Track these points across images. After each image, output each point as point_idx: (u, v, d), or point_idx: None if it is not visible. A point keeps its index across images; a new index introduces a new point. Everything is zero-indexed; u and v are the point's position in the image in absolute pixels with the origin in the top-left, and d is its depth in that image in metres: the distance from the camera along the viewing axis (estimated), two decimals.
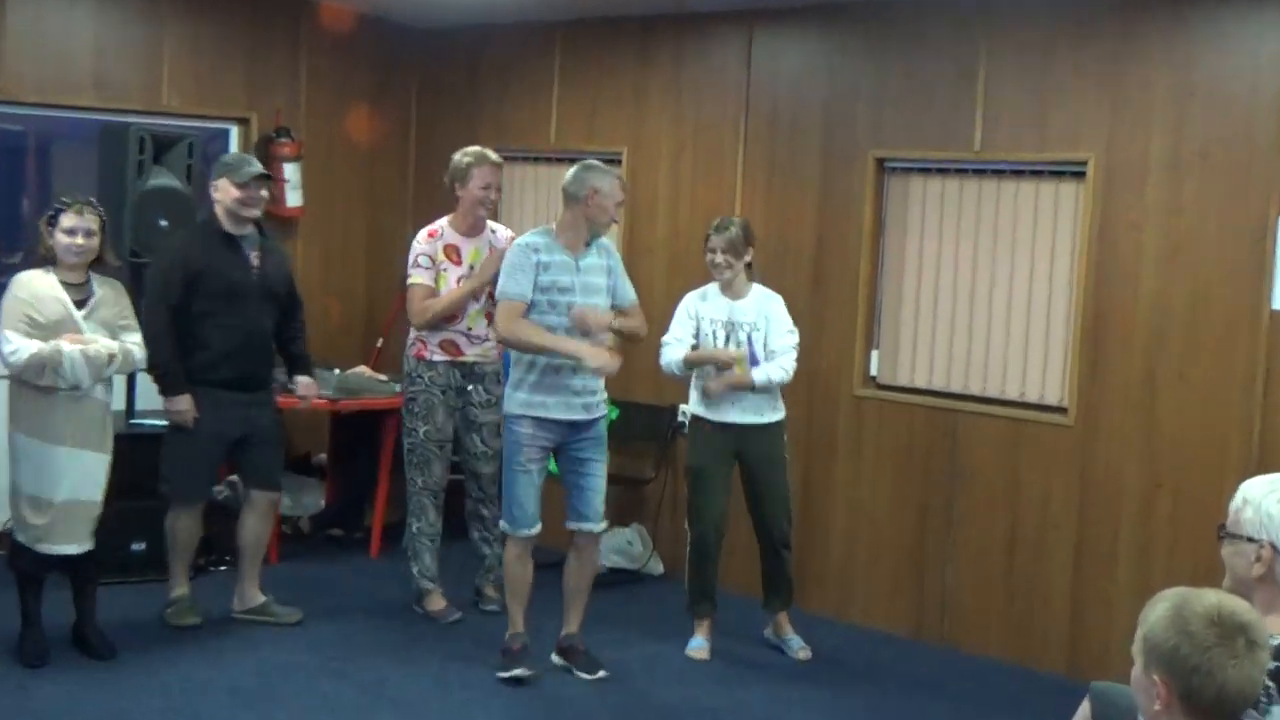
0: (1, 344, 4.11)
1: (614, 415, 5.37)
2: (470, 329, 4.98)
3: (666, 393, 5.62)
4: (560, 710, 4.29)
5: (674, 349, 4.74)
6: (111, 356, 4.26)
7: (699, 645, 4.80)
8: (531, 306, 4.30)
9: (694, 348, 4.72)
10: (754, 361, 4.68)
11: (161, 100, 5.86)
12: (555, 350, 4.27)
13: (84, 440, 4.24)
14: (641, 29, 5.86)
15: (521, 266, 4.29)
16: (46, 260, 4.23)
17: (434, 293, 4.95)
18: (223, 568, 5.50)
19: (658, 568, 5.85)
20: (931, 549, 5.07)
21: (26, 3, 5.48)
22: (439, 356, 4.98)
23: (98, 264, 4.32)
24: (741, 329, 4.72)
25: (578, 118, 6.13)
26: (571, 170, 4.41)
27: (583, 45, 6.08)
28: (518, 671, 4.38)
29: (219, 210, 4.70)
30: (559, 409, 4.33)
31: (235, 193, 4.63)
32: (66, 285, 4.23)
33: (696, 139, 5.72)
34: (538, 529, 4.44)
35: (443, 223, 5.05)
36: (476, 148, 5.03)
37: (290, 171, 6.08)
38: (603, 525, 4.53)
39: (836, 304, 5.33)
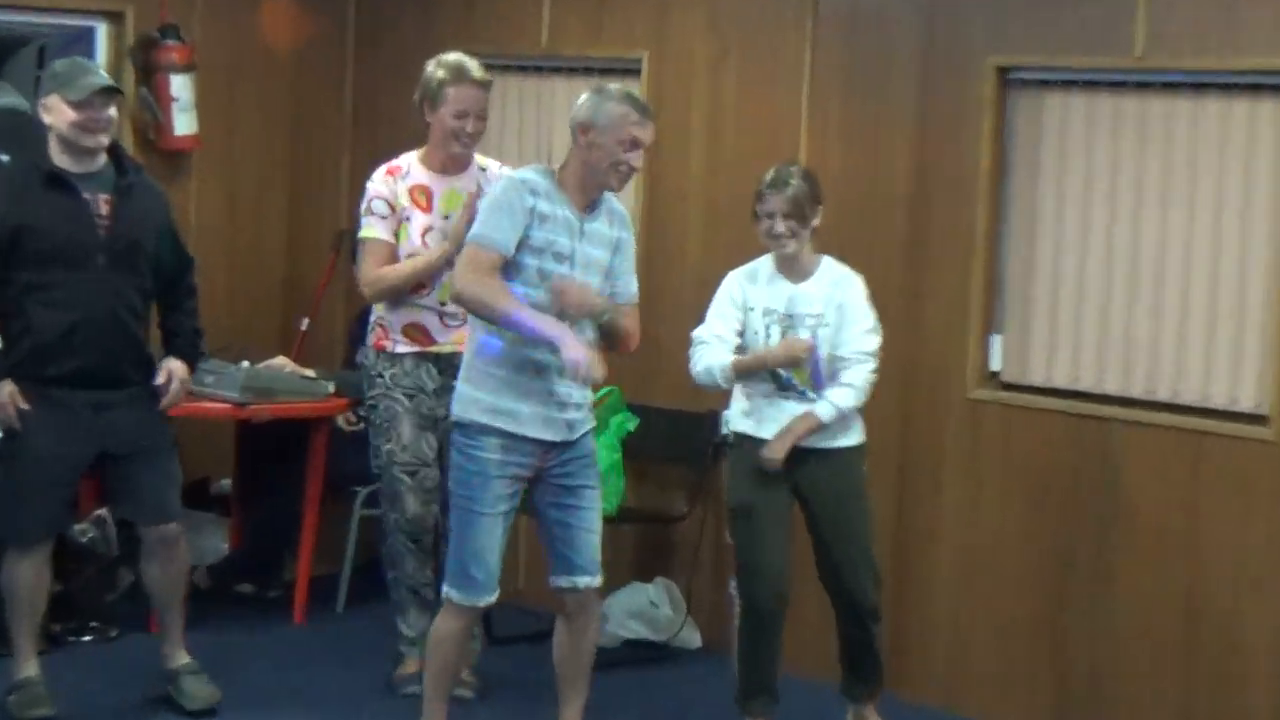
0: None
1: (631, 427, 5.55)
2: (444, 304, 4.98)
3: (704, 396, 5.51)
4: None
5: (713, 351, 4.68)
6: None
7: None
8: (514, 270, 4.27)
9: (739, 349, 4.70)
10: (817, 379, 4.67)
11: None
12: (533, 331, 4.21)
13: None
14: None
15: (510, 208, 4.26)
16: None
17: (392, 251, 5.00)
18: (87, 638, 5.49)
19: (693, 639, 5.83)
20: (1077, 615, 5.13)
21: None
22: (403, 347, 5.01)
23: None
24: (803, 325, 4.70)
25: (579, 10, 6.24)
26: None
27: None
28: None
29: (52, 141, 4.74)
30: (534, 424, 4.31)
31: (71, 114, 4.65)
32: None
33: (745, 41, 5.78)
34: (494, 597, 4.44)
35: (410, 157, 5.11)
36: (454, 56, 5.05)
37: (180, 87, 6.14)
38: (601, 579, 4.52)
39: (942, 272, 5.35)
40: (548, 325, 4.21)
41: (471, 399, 4.33)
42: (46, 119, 4.74)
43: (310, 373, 5.89)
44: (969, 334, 5.29)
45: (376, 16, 6.71)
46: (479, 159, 5.10)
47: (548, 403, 4.30)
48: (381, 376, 5.06)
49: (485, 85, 5.03)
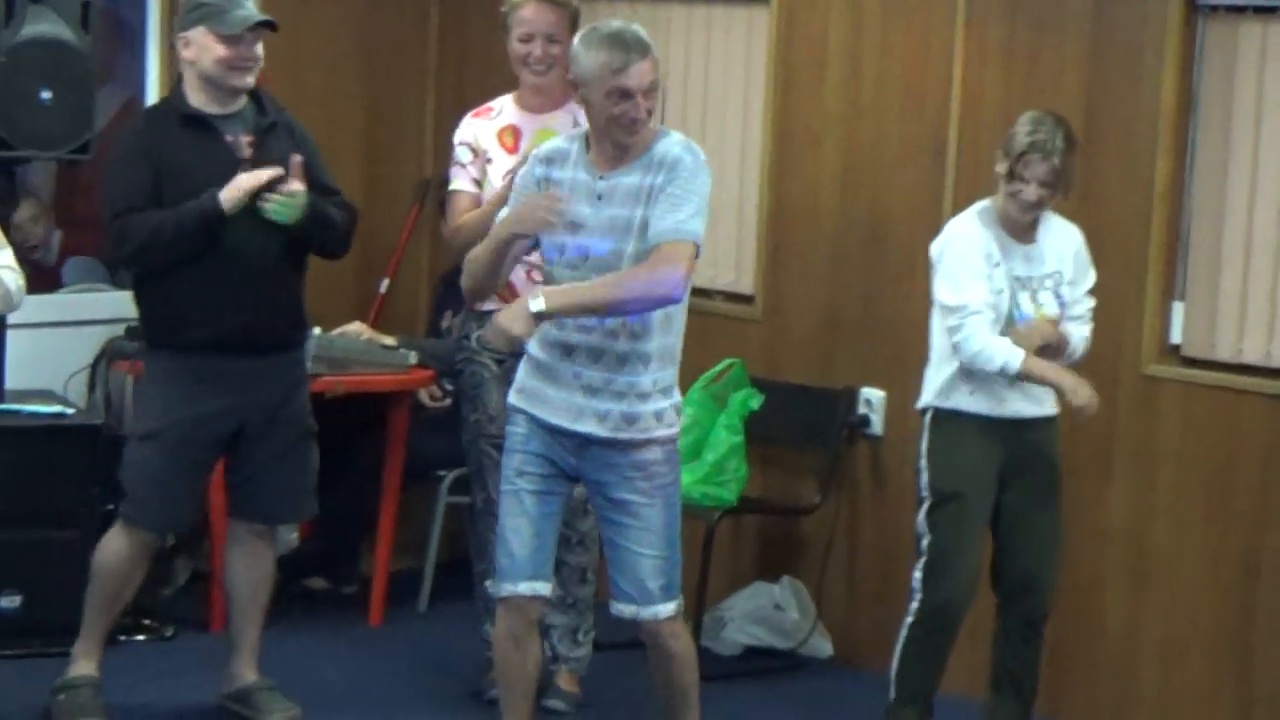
0: None
1: (754, 405, 5.53)
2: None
3: (839, 369, 5.57)
4: None
5: (988, 327, 4.65)
6: None
7: None
8: (539, 254, 4.33)
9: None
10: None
11: None
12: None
13: None
14: None
15: (520, 187, 4.32)
16: None
17: (476, 201, 5.03)
18: (140, 637, 5.52)
19: (823, 647, 5.76)
20: (1265, 630, 5.04)
21: None
22: (491, 305, 4.97)
23: None
24: (1042, 287, 4.64)
25: None
26: None
27: None
28: None
29: (190, 79, 4.79)
30: (562, 412, 4.24)
31: (220, 50, 4.71)
32: None
33: None
34: (530, 589, 4.33)
35: (506, 98, 5.14)
36: None
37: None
38: (671, 608, 4.34)
39: (1116, 229, 5.22)
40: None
41: (518, 375, 4.38)
42: (186, 54, 4.78)
43: (390, 341, 5.83)
44: (1145, 301, 5.18)
45: None
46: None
47: (573, 387, 4.24)
48: (468, 338, 5.09)
49: (558, 5, 5.01)
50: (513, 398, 4.34)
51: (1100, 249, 5.25)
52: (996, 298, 4.70)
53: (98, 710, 4.81)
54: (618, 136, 4.24)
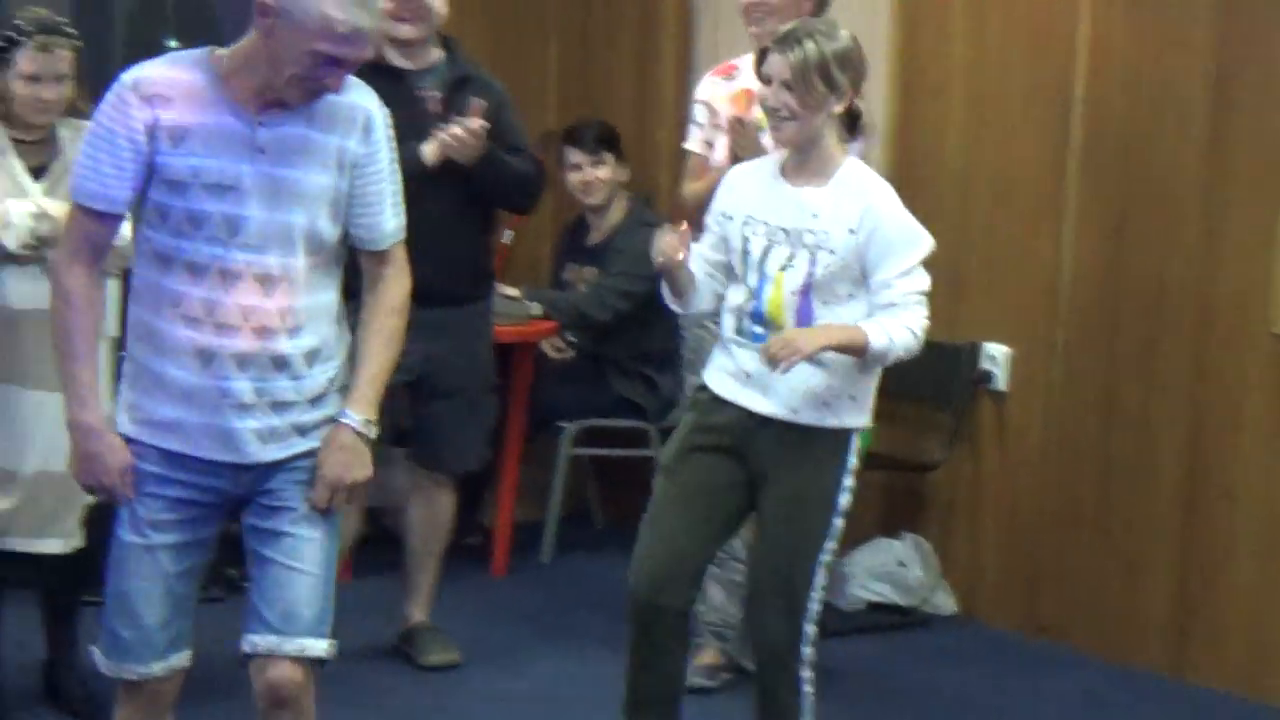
0: None
1: None
2: None
3: (963, 324, 5.61)
4: None
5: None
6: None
7: None
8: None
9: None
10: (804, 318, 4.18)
11: None
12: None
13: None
14: None
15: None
16: None
17: (704, 166, 4.93)
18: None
19: (947, 604, 5.76)
20: None
21: None
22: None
23: (68, 113, 4.59)
24: (799, 244, 4.19)
25: None
26: None
27: None
28: None
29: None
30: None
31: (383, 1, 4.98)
32: (18, 144, 4.51)
33: None
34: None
35: (749, 56, 4.81)
36: None
37: None
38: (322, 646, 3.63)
39: (1247, 189, 5.16)
40: None
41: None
42: None
43: (513, 292, 5.82)
44: (1275, 261, 5.04)
45: None
46: None
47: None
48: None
49: None
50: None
51: (1231, 206, 5.28)
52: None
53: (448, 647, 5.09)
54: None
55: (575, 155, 5.98)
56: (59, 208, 4.39)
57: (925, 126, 5.73)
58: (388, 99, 4.46)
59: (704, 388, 4.11)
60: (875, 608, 5.68)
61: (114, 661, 3.52)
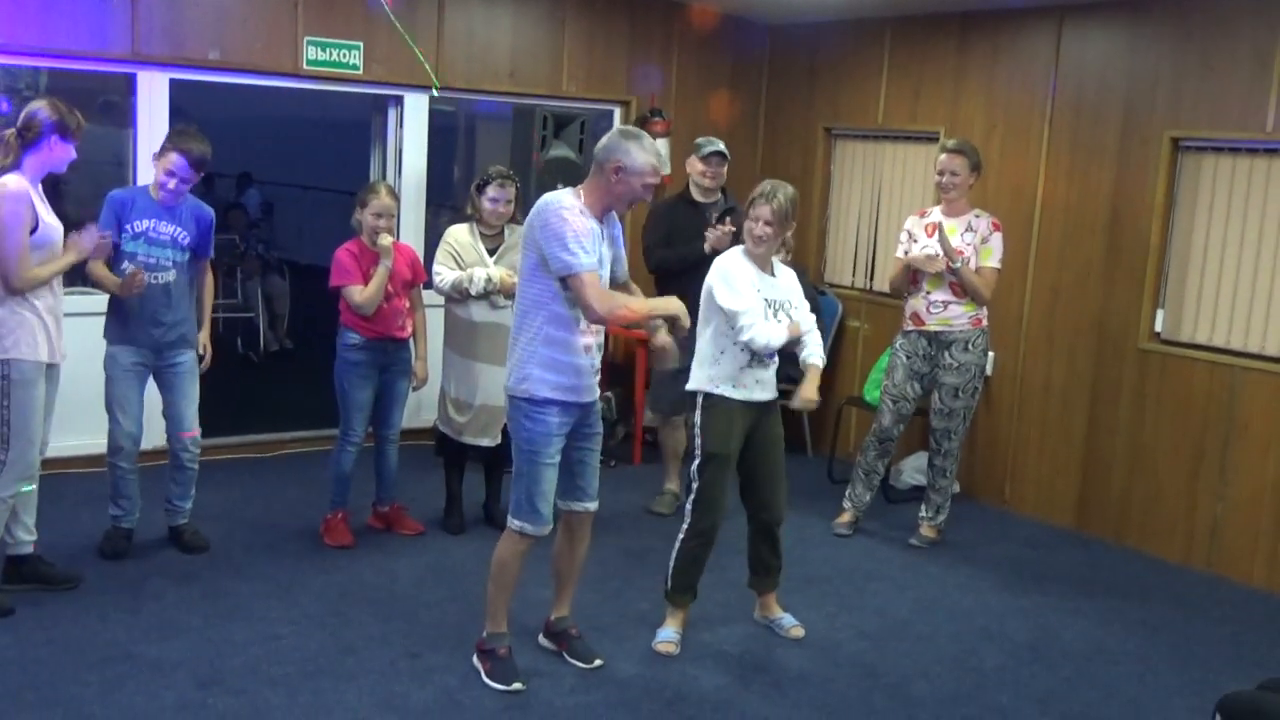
0: (433, 274, 5.87)
1: None
2: (930, 294, 6.22)
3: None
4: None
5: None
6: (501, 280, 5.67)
7: (668, 637, 5.22)
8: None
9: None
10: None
11: (561, 87, 7.88)
12: (655, 313, 4.55)
13: (497, 358, 5.71)
14: (960, 24, 7.35)
15: (585, 231, 4.37)
16: (472, 217, 5.93)
17: (900, 262, 6.33)
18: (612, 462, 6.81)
19: (954, 486, 6.82)
20: (1205, 489, 6.23)
21: (459, 12, 7.51)
22: (909, 325, 6.34)
23: (509, 220, 6.00)
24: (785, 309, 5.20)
25: (902, 100, 7.67)
26: (608, 135, 4.56)
27: (908, 38, 7.61)
28: (518, 685, 4.68)
29: (691, 181, 6.38)
30: (583, 393, 4.62)
31: (699, 166, 6.35)
32: (483, 236, 5.94)
33: (1007, 119, 7.08)
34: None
35: (938, 207, 6.30)
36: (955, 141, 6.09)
37: (661, 146, 7.49)
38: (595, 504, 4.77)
39: (1127, 267, 6.53)
40: (671, 305, 4.61)
41: (537, 379, 4.56)
42: (688, 169, 6.33)
43: None
44: (1142, 306, 6.48)
45: (778, 101, 8.20)
46: (974, 209, 6.09)
47: (586, 375, 4.67)
48: (895, 344, 6.34)
49: (958, 151, 6.08)
50: (548, 391, 4.56)
51: (1119, 279, 6.37)
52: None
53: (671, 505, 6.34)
54: (619, 209, 4.58)
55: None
56: (500, 272, 5.88)
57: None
58: (691, 219, 6.20)
59: None
60: (915, 488, 7.11)
61: (534, 526, 4.60)
